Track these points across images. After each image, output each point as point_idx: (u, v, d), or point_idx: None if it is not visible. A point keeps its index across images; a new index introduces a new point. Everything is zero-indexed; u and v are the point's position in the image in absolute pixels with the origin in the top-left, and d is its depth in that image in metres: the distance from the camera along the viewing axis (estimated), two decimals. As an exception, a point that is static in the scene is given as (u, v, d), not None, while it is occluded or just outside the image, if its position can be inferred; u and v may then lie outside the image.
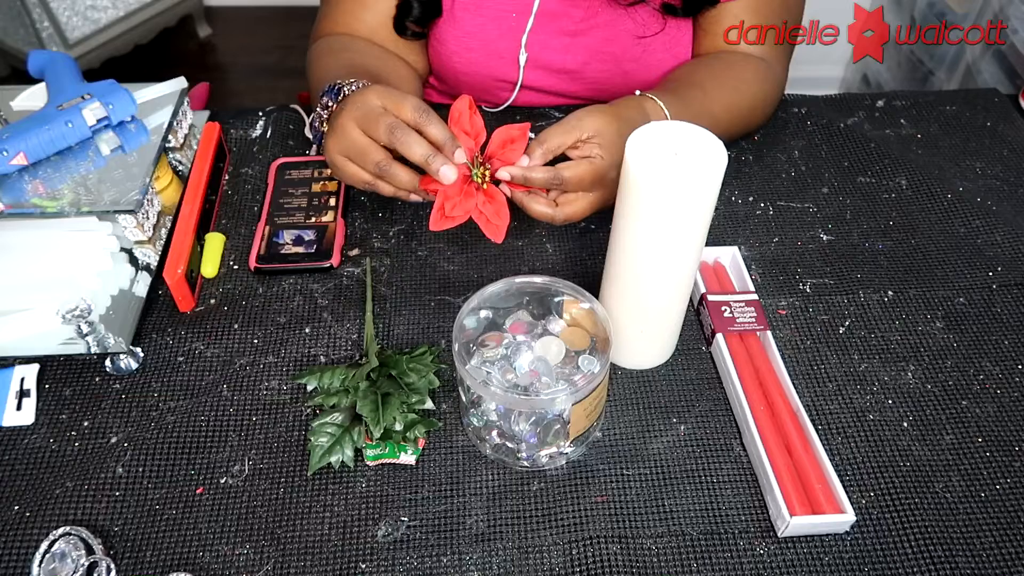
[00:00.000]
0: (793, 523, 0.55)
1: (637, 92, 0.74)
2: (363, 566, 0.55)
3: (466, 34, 0.84)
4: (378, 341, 0.67)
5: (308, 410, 0.63)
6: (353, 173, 0.65)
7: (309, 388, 0.64)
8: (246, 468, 0.60)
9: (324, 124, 0.69)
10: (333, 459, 0.59)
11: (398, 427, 0.59)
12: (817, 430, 0.61)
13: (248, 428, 0.63)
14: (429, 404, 0.62)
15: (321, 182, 0.80)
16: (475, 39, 0.84)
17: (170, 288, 0.68)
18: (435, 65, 0.89)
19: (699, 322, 0.70)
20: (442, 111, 0.90)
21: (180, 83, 0.79)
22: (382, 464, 0.60)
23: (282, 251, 0.74)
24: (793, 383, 0.63)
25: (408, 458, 0.60)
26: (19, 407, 0.63)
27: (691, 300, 0.71)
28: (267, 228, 0.76)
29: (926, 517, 0.58)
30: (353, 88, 0.67)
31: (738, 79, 0.80)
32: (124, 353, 0.66)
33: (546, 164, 0.64)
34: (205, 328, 0.69)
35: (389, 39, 0.85)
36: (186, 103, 0.79)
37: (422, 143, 0.61)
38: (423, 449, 0.61)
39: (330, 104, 0.69)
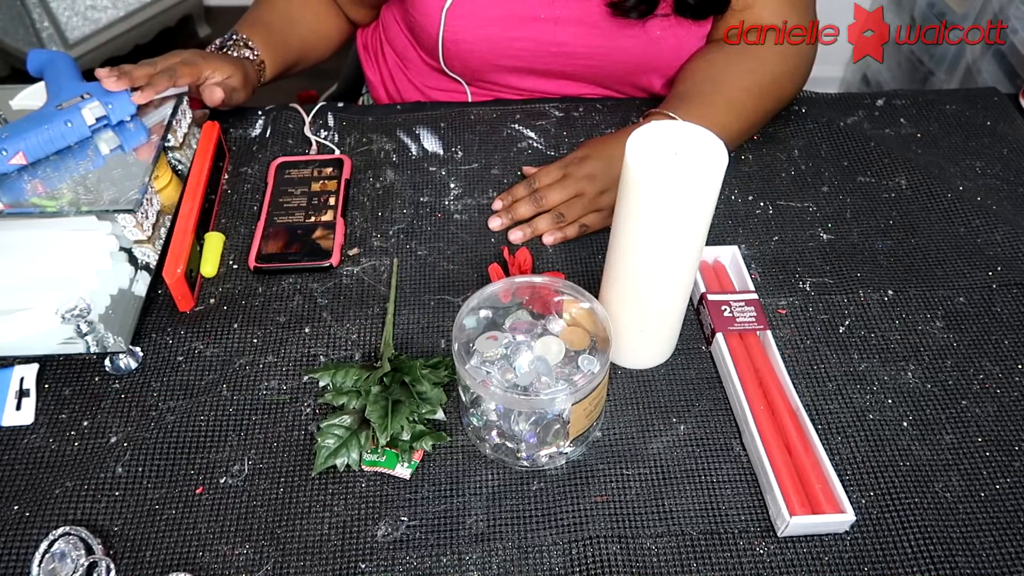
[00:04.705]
0: (793, 523, 0.55)
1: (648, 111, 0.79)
2: (363, 566, 0.55)
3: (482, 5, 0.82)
4: (395, 343, 0.66)
5: (313, 407, 0.63)
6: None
7: (321, 384, 0.64)
8: (246, 468, 0.60)
9: None
10: (339, 461, 0.59)
11: (405, 436, 0.59)
12: (817, 430, 0.61)
13: (248, 428, 0.63)
14: (440, 415, 0.62)
15: (321, 181, 0.80)
16: (492, 9, 0.82)
17: (170, 288, 0.68)
18: (422, 36, 0.87)
19: (699, 322, 0.70)
20: (443, 109, 0.91)
21: (180, 83, 0.79)
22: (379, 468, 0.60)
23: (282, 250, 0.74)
24: (793, 383, 0.63)
25: (403, 471, 0.59)
26: (19, 407, 0.63)
27: (691, 300, 0.71)
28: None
29: (926, 517, 0.58)
30: (229, 44, 0.90)
31: (754, 59, 0.81)
32: (124, 353, 0.66)
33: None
34: (205, 328, 0.69)
35: None
36: (185, 102, 0.79)
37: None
38: (420, 459, 0.61)
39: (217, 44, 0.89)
